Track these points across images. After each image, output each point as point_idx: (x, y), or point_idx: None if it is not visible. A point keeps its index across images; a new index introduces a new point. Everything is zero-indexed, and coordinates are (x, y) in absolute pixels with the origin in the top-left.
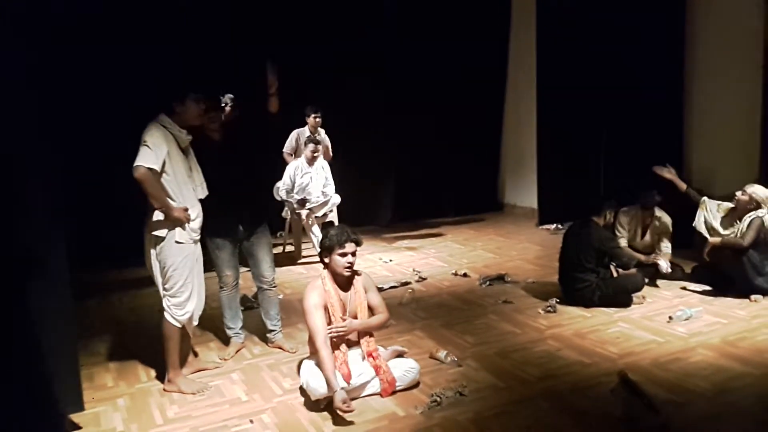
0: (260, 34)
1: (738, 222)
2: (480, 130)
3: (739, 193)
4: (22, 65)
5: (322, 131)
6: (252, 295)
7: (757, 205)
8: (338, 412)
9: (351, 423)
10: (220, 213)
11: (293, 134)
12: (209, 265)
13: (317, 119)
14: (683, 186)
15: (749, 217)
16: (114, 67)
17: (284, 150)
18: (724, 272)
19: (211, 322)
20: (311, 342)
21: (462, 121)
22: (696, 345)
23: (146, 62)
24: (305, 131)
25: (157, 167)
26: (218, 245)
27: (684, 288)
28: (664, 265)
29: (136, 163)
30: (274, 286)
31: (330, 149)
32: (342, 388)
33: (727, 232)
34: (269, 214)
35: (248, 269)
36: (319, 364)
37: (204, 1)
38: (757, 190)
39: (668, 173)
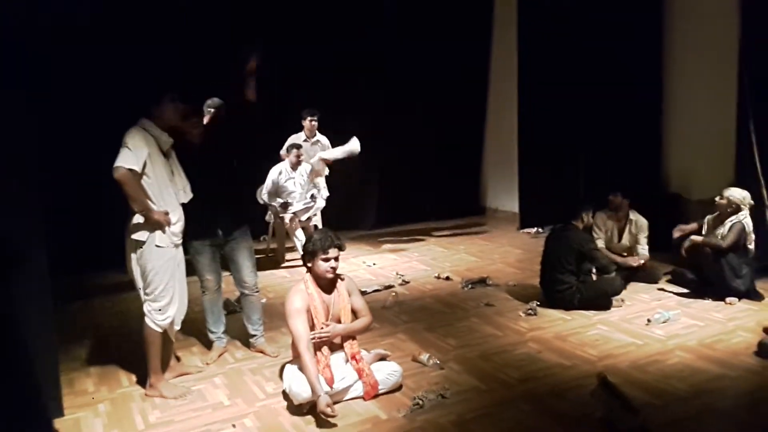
0: (258, 34)
1: (721, 225)
2: (463, 134)
3: (717, 198)
4: (12, 63)
5: (321, 136)
6: (235, 299)
7: (737, 208)
8: (322, 416)
9: (334, 426)
10: (198, 217)
11: (291, 138)
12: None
13: (313, 122)
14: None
15: (731, 221)
16: (111, 67)
17: (281, 153)
18: (702, 274)
19: (194, 326)
20: (294, 346)
21: (444, 125)
22: (674, 347)
23: (140, 62)
24: (301, 135)
25: (138, 168)
26: (197, 249)
27: (662, 290)
28: (643, 254)
29: (116, 164)
30: (257, 291)
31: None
32: (325, 393)
33: (712, 235)
34: (249, 219)
35: (230, 273)
36: (302, 369)
37: (203, 1)
38: (733, 193)
39: (679, 232)
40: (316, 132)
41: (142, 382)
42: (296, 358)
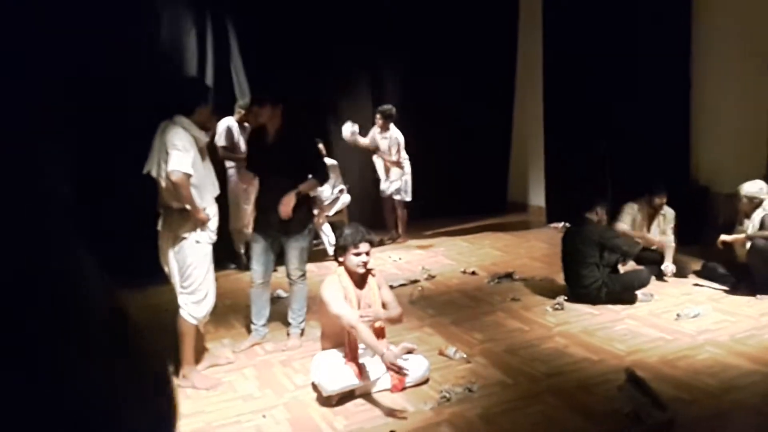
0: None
1: (747, 220)
2: (489, 128)
3: (737, 200)
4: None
5: (395, 131)
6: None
7: (759, 201)
8: (392, 370)
9: (363, 418)
10: (262, 208)
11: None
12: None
13: (378, 118)
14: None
15: (758, 215)
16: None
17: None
18: (736, 269)
19: (224, 319)
20: (324, 338)
21: (471, 119)
22: (704, 343)
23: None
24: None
25: (192, 172)
26: (254, 238)
27: (696, 284)
28: (670, 268)
29: (172, 167)
30: (301, 282)
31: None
32: (354, 384)
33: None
34: (310, 218)
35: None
36: (359, 339)
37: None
38: (747, 189)
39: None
40: (389, 126)
41: (174, 372)
42: (325, 349)
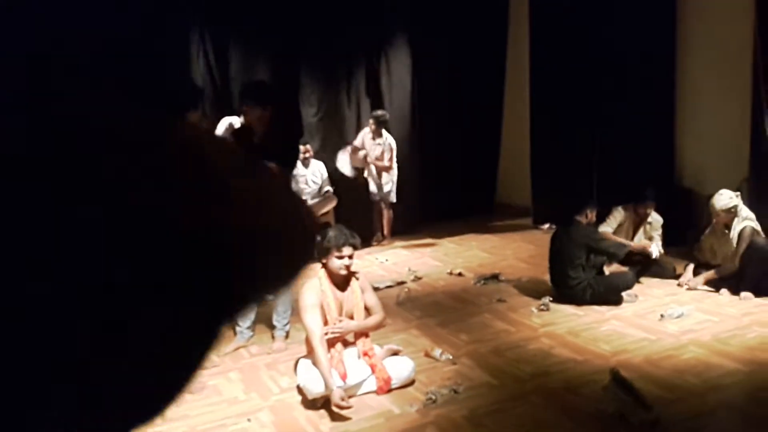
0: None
1: (726, 231)
2: (479, 129)
3: (713, 210)
4: None
5: (388, 136)
6: None
7: (734, 208)
8: (335, 409)
9: (348, 419)
10: None
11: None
12: None
13: (370, 124)
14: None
15: (735, 228)
16: None
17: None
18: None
19: None
20: (308, 341)
21: (461, 120)
22: (687, 343)
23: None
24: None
25: None
26: None
27: (680, 285)
28: (656, 249)
29: None
30: None
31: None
32: (338, 387)
33: (723, 241)
34: None
35: None
36: (315, 363)
37: None
38: (719, 201)
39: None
40: (381, 132)
41: None
42: (310, 353)
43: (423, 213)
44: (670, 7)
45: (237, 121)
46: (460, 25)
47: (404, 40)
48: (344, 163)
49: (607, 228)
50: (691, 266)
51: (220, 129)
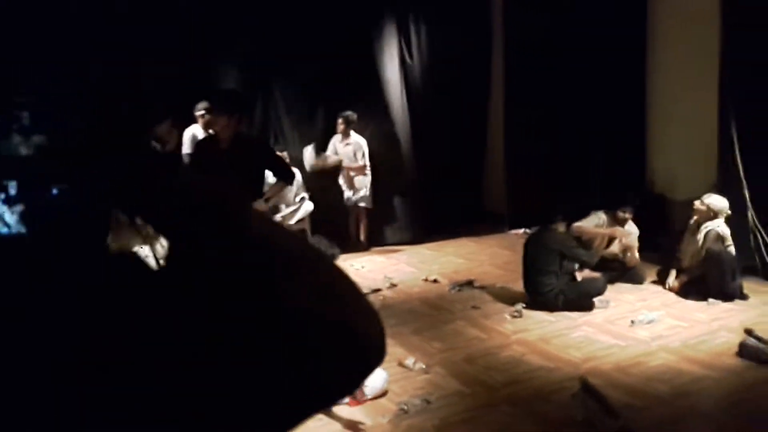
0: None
1: (698, 230)
2: (464, 136)
3: (697, 203)
4: None
5: (357, 137)
6: None
7: (715, 215)
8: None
9: None
10: None
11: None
12: None
13: (339, 123)
14: None
15: (706, 227)
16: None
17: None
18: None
19: None
20: None
21: (446, 127)
22: (657, 349)
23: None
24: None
25: None
26: None
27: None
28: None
29: None
30: None
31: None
32: None
33: (693, 240)
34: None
35: None
36: None
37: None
38: (714, 201)
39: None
40: (350, 133)
41: None
42: None
43: (411, 220)
44: (641, 15)
45: (199, 131)
46: (444, 29)
47: (391, 40)
48: (308, 159)
49: (584, 223)
50: (674, 271)
51: (186, 140)
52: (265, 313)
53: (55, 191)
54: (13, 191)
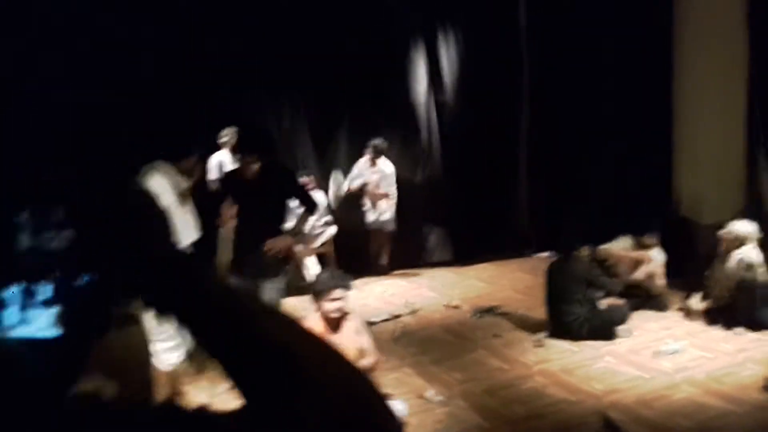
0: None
1: (727, 258)
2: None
3: (724, 231)
4: None
5: (385, 164)
6: None
7: (742, 242)
8: None
9: None
10: (238, 252)
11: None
12: None
13: (367, 152)
14: None
15: (735, 256)
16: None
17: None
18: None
19: (202, 358)
20: None
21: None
22: (681, 381)
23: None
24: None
25: None
26: (231, 280)
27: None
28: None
29: None
30: None
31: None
32: None
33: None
34: (285, 263)
35: None
36: None
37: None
38: (740, 228)
39: None
40: (377, 160)
41: None
42: None
43: (436, 243)
44: (667, 34)
45: (226, 158)
46: (475, 45)
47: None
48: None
49: (610, 246)
50: (699, 294)
51: (213, 167)
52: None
53: (83, 281)
54: (47, 292)
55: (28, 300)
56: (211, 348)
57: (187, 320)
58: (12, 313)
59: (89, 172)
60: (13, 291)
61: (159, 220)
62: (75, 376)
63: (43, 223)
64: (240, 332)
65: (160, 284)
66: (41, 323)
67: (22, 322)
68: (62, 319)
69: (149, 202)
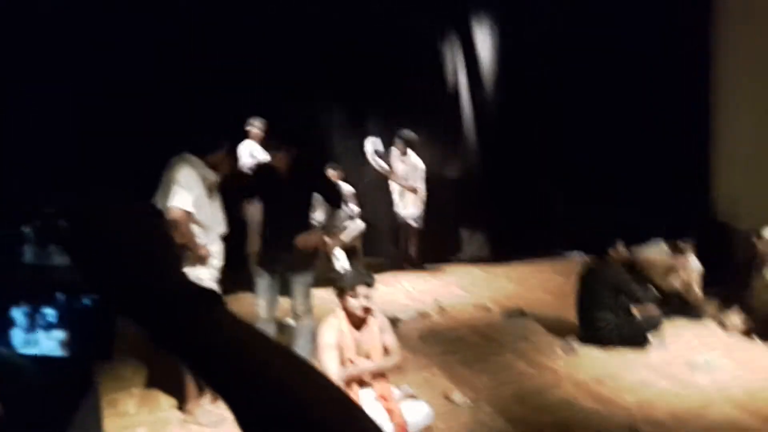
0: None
1: (765, 266)
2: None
3: (756, 240)
4: None
5: (413, 156)
6: None
7: None
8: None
9: None
10: (267, 245)
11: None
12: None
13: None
14: None
15: None
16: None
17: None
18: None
19: None
20: None
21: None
22: (716, 397)
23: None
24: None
25: (193, 210)
26: (259, 273)
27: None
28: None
29: (170, 203)
30: (305, 320)
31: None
32: None
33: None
34: (315, 256)
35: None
36: None
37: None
38: None
39: None
40: (407, 152)
41: (182, 406)
42: None
43: (467, 240)
44: (705, 31)
45: (257, 149)
46: (515, 47)
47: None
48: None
49: (650, 253)
50: (737, 309)
51: (243, 154)
52: None
53: (86, 302)
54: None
55: (32, 321)
56: (217, 391)
57: (188, 361)
58: (17, 334)
59: (95, 192)
60: (19, 311)
61: (169, 248)
62: (78, 395)
63: (47, 238)
64: (251, 380)
65: (159, 320)
66: (46, 345)
67: (27, 343)
68: (66, 341)
69: (160, 229)
